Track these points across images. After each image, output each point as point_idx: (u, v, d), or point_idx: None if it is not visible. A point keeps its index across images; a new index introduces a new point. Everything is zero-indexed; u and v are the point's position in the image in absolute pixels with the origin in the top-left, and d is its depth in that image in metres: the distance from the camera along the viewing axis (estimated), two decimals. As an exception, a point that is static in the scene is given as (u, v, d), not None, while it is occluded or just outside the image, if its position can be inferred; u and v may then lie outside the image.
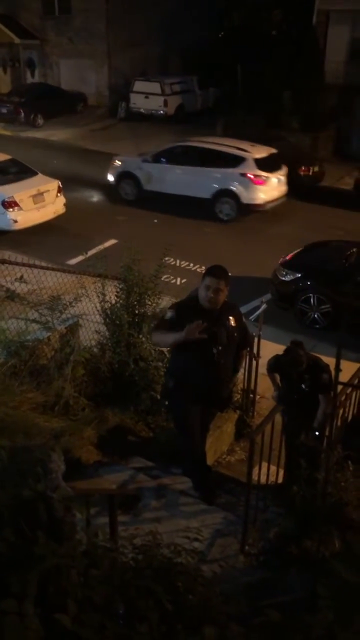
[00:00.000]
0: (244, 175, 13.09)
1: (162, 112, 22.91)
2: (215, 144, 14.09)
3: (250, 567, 3.55)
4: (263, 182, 13.12)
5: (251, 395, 6.21)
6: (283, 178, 13.70)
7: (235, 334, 4.24)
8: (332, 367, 4.60)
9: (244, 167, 13.14)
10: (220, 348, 4.11)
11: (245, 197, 13.08)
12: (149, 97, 22.92)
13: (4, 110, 22.63)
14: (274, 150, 13.95)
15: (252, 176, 13.05)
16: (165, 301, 5.98)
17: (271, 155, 13.70)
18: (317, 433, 4.57)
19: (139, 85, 23.22)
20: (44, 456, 1.82)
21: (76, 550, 1.68)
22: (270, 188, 13.35)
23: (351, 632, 1.51)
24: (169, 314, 4.16)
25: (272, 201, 13.42)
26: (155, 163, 14.02)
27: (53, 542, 1.60)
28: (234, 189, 13.13)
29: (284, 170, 13.77)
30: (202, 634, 1.57)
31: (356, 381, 4.75)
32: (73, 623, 1.44)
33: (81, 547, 1.74)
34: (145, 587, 1.79)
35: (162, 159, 14.03)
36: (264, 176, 13.11)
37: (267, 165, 13.34)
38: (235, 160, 13.27)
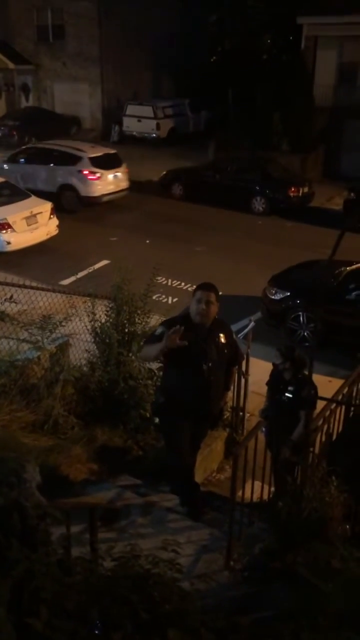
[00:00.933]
0: (80, 172, 15.01)
1: (154, 135, 23.26)
2: (60, 145, 16.27)
3: (234, 583, 3.57)
4: (98, 177, 15.05)
5: (240, 413, 6.25)
6: (120, 175, 15.63)
7: (226, 351, 4.30)
8: (319, 385, 4.69)
9: (81, 165, 15.08)
10: (210, 364, 4.15)
11: (83, 190, 15.03)
12: (141, 120, 23.29)
13: (-1, 134, 22.98)
14: (111, 151, 16.16)
15: (87, 172, 14.97)
16: (155, 320, 6.05)
17: (106, 155, 15.71)
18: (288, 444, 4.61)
19: (131, 109, 23.61)
20: (18, 467, 1.88)
21: (49, 557, 1.73)
22: (106, 183, 15.26)
23: (314, 633, 1.56)
24: (159, 330, 4.21)
25: (108, 194, 15.36)
26: (12, 163, 15.95)
27: (26, 548, 1.65)
28: (73, 183, 15.03)
29: (122, 168, 15.72)
30: (167, 636, 1.61)
31: (340, 397, 4.81)
32: (45, 628, 1.49)
33: (56, 555, 1.78)
34: (120, 595, 1.83)
35: (20, 160, 15.99)
36: (98, 173, 15.02)
37: (103, 163, 15.29)
38: (74, 159, 15.23)
